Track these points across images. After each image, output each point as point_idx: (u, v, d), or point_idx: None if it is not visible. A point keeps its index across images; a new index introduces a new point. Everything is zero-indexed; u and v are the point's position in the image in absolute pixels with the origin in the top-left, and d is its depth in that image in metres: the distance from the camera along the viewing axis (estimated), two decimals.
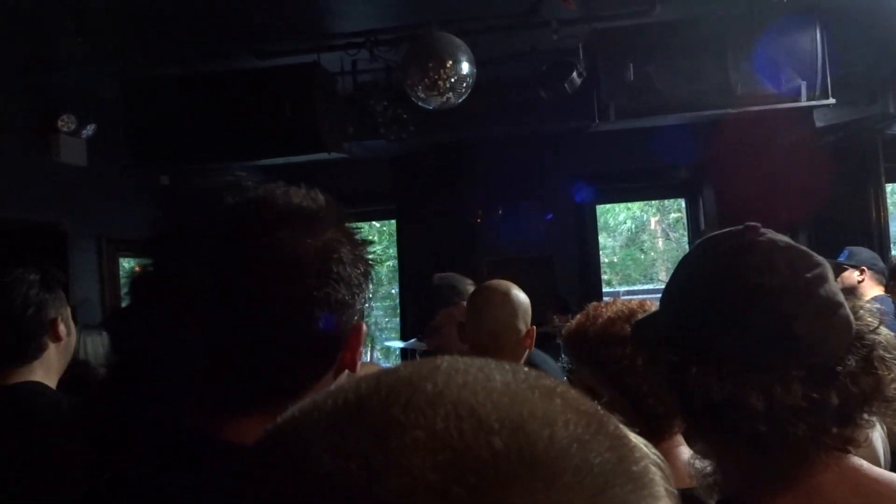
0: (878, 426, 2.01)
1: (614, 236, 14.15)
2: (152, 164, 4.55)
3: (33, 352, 1.95)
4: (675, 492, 0.36)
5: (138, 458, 0.82)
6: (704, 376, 0.84)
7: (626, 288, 13.37)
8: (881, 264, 3.75)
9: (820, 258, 0.89)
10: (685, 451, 1.35)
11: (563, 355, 1.54)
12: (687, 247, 7.48)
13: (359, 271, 0.85)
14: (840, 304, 0.87)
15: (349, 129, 4.58)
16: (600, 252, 8.46)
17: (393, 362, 10.51)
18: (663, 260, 14.05)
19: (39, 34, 3.75)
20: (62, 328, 1.99)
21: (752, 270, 0.86)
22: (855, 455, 1.91)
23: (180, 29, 3.87)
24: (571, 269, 6.26)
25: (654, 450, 0.38)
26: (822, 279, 0.87)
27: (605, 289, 11.45)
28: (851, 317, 0.87)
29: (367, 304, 0.88)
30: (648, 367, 1.07)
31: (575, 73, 3.80)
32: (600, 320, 1.41)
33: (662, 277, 13.74)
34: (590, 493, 0.32)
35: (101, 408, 0.93)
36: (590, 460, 0.32)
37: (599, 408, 0.37)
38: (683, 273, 0.97)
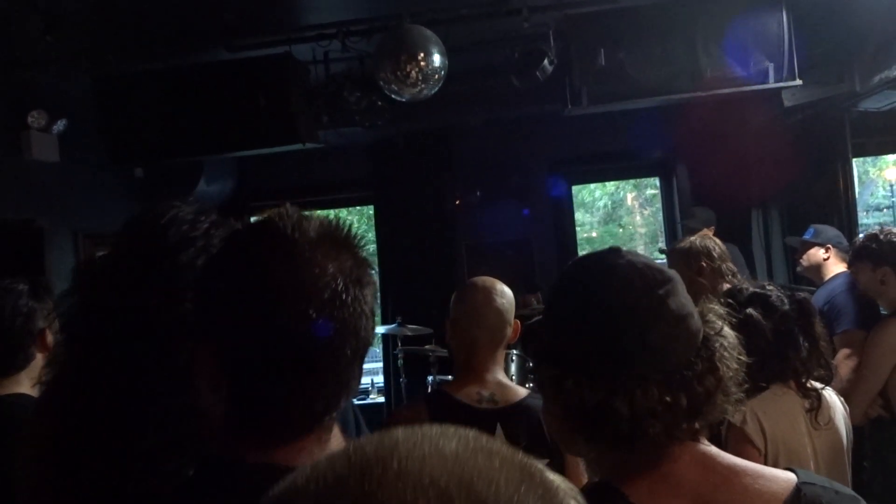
0: (841, 409, 2.10)
1: (592, 212, 14.25)
2: (126, 161, 4.52)
3: (20, 362, 1.96)
4: None
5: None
6: (578, 387, 0.97)
7: None
8: (845, 242, 3.84)
9: (671, 273, 1.02)
10: None
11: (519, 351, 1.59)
12: (662, 222, 7.58)
13: (370, 294, 0.89)
14: (688, 315, 1.00)
15: (323, 118, 4.58)
16: (578, 228, 8.54)
17: (377, 346, 10.50)
18: (641, 235, 14.18)
19: (8, 32, 3.70)
20: (50, 338, 2.00)
21: (612, 291, 0.98)
22: (818, 437, 1.99)
23: (152, 23, 3.84)
24: (549, 250, 6.32)
25: (569, 484, 0.47)
26: (672, 293, 0.99)
27: None
28: (699, 323, 1.01)
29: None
30: (532, 378, 1.19)
31: (546, 61, 3.83)
32: None
33: (641, 251, 13.86)
34: None
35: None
36: None
37: (527, 458, 0.45)
38: (557, 291, 1.09)
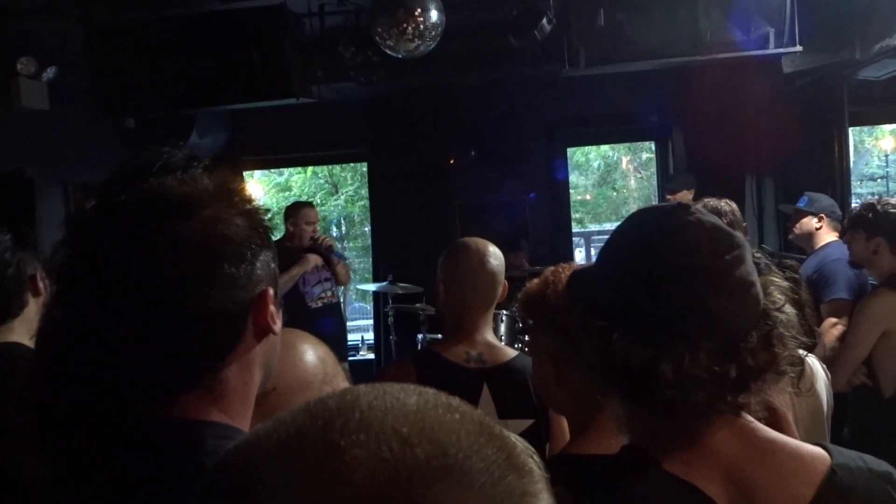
0: (823, 377, 2.13)
1: (587, 174, 14.21)
2: (118, 112, 4.46)
3: (15, 310, 1.97)
4: (547, 475, 0.46)
5: (91, 443, 0.87)
6: (625, 343, 0.93)
7: (597, 227, 13.52)
8: (839, 212, 3.85)
9: (741, 239, 0.97)
10: None
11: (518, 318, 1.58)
12: (656, 187, 7.57)
13: (250, 241, 0.88)
14: (752, 284, 0.94)
15: (318, 73, 4.52)
16: (572, 190, 8.52)
17: (368, 303, 10.54)
18: (635, 198, 14.17)
19: None
20: (41, 284, 2.01)
21: (676, 249, 0.93)
22: (799, 404, 2.01)
23: None
24: (542, 211, 6.32)
25: (527, 444, 0.48)
26: (740, 260, 0.94)
27: (576, 228, 11.59)
28: (761, 295, 0.95)
29: (271, 267, 0.92)
30: (577, 329, 1.18)
31: (545, 21, 3.77)
32: (560, 286, 1.43)
33: None
34: (490, 483, 0.41)
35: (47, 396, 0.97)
36: (487, 458, 0.42)
37: (484, 416, 0.46)
38: (617, 242, 1.04)
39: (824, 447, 0.97)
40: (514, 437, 0.46)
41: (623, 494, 0.95)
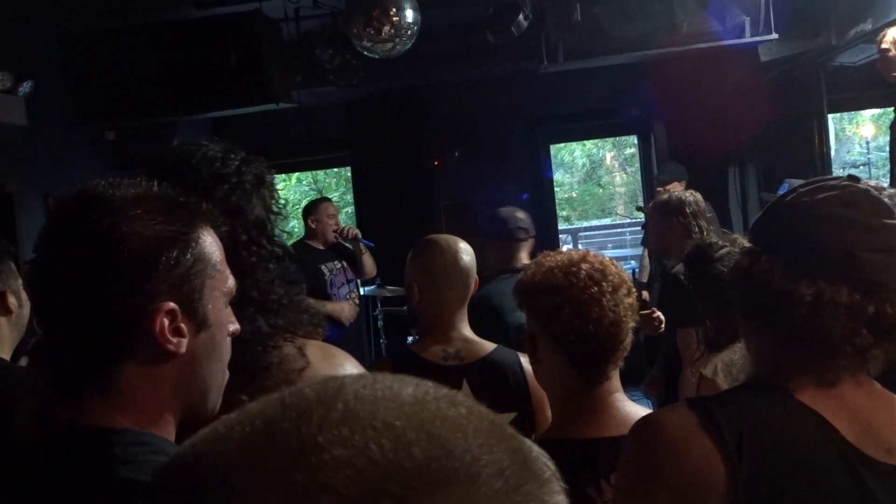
0: None
1: (572, 172, 14.23)
2: (96, 121, 4.43)
3: None
4: (558, 474, 0.39)
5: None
6: (771, 265, 1.01)
7: (585, 223, 13.55)
8: None
9: None
10: (619, 398, 1.43)
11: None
12: (641, 181, 7.56)
13: (161, 249, 0.84)
14: None
15: (297, 78, 4.51)
16: (557, 188, 8.54)
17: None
18: (620, 194, 14.21)
19: None
20: (12, 301, 1.97)
21: (836, 202, 1.02)
22: None
23: None
24: (529, 208, 6.32)
25: (539, 448, 0.41)
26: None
27: (563, 225, 11.60)
28: None
29: (185, 282, 0.86)
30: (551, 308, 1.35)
31: (521, 16, 3.77)
32: (542, 269, 1.47)
33: (620, 211, 13.93)
34: (504, 492, 0.34)
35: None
36: (499, 462, 0.35)
37: (493, 413, 0.39)
38: (791, 191, 1.11)
39: None
40: (528, 441, 0.40)
41: (752, 410, 0.99)
